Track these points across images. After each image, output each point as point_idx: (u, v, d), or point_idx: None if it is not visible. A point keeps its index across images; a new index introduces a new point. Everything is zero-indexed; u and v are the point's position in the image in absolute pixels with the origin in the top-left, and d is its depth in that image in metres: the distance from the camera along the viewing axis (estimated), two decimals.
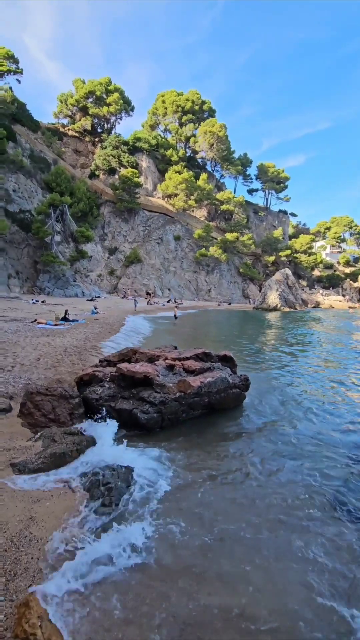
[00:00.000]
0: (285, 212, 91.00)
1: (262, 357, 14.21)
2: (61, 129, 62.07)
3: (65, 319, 18.55)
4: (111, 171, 59.88)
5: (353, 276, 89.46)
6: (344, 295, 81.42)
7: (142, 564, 3.12)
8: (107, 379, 6.89)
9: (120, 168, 59.56)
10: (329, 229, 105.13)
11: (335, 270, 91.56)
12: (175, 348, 8.94)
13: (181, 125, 72.87)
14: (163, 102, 72.38)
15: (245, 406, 7.56)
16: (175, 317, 27.19)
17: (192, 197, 63.61)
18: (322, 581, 3.05)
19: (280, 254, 78.66)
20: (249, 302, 67.09)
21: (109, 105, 61.56)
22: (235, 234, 68.48)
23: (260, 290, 64.93)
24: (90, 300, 36.58)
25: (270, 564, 3.24)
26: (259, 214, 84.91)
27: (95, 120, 64.51)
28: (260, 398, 8.26)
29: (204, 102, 73.65)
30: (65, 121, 65.07)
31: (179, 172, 62.97)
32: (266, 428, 6.50)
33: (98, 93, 60.75)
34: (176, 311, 28.41)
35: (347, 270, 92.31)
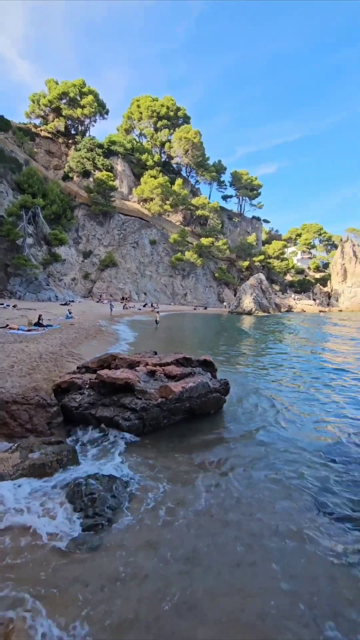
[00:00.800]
0: (258, 219, 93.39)
1: (239, 360, 14.45)
2: (33, 129, 60.60)
3: (38, 324, 17.98)
4: (85, 174, 59.08)
5: (322, 281, 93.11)
6: (314, 300, 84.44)
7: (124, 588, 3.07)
8: (87, 386, 6.75)
9: (94, 171, 58.89)
10: (299, 235, 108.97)
11: (306, 276, 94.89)
12: (155, 353, 8.90)
13: (156, 130, 73.24)
14: (138, 106, 72.50)
15: (225, 410, 7.64)
16: (157, 321, 27.09)
17: (167, 202, 63.88)
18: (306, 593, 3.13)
19: (254, 259, 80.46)
20: (225, 306, 68.00)
21: (83, 107, 60.85)
22: (210, 239, 69.37)
23: (235, 295, 66.04)
24: (64, 304, 35.69)
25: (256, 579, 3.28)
26: (233, 219, 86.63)
27: (69, 122, 63.54)
28: (239, 402, 8.39)
29: (178, 109, 74.46)
30: (37, 121, 63.61)
31: (155, 177, 63.15)
32: (245, 433, 6.59)
33: (72, 95, 59.92)
34: (157, 316, 28.23)
35: (317, 275, 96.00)
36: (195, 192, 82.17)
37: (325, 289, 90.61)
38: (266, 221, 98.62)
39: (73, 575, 3.04)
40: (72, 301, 41.01)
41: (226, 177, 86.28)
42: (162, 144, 73.70)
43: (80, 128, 65.45)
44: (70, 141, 63.40)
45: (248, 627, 2.66)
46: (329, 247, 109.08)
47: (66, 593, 2.85)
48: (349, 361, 15.18)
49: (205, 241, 68.40)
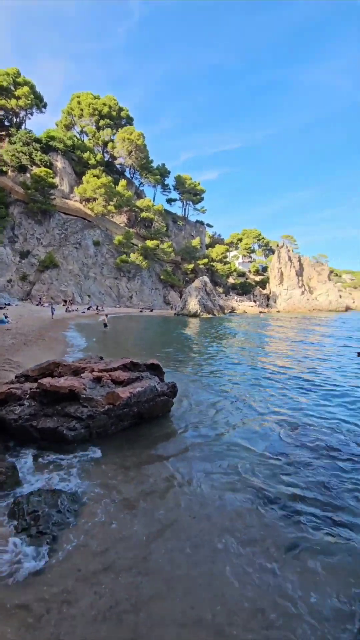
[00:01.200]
0: (202, 223, 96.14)
1: (187, 362, 14.71)
2: None
3: None
4: (21, 169, 55.45)
5: (262, 284, 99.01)
6: (255, 301, 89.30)
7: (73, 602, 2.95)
8: (27, 396, 6.33)
9: (32, 166, 55.57)
10: (240, 240, 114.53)
11: (247, 278, 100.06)
12: (102, 358, 8.68)
13: (98, 129, 71.54)
14: (79, 103, 70.11)
15: (173, 412, 7.73)
16: (105, 325, 26.41)
17: (111, 203, 62.71)
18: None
19: (199, 262, 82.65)
20: (171, 308, 68.72)
21: (17, 98, 57.11)
22: (155, 242, 69.65)
23: (180, 297, 67.10)
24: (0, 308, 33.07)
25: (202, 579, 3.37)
26: (178, 223, 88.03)
27: (2, 113, 59.14)
28: (187, 404, 8.55)
29: (121, 109, 73.65)
30: None
31: (97, 177, 61.57)
32: (193, 435, 6.73)
33: (5, 84, 55.87)
34: (106, 319, 27.57)
35: (257, 278, 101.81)
36: (139, 194, 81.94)
37: (265, 291, 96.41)
38: (209, 225, 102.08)
39: (14, 601, 2.83)
40: (8, 304, 38.17)
41: (170, 181, 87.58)
42: (105, 144, 72.24)
43: (15, 120, 61.29)
44: (3, 133, 58.99)
45: (200, 626, 2.73)
46: (267, 252, 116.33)
47: (6, 621, 2.65)
48: (286, 363, 16.33)
49: (150, 243, 68.51)
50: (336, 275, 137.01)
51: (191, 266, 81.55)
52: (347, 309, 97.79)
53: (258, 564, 3.40)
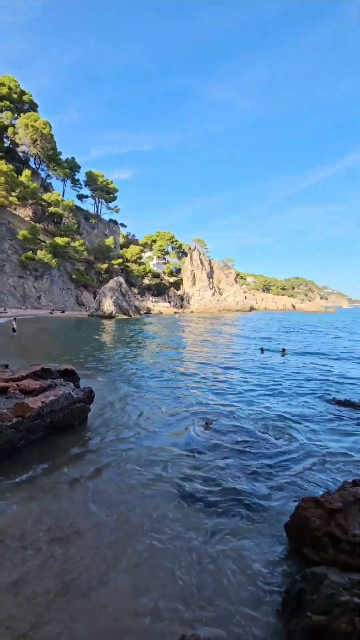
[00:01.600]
0: (115, 222, 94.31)
1: (103, 366, 14.31)
2: None
3: None
4: None
5: (176, 285, 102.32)
6: (170, 302, 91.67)
7: None
8: None
9: None
10: (154, 241, 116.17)
11: (161, 280, 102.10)
12: (7, 366, 7.83)
13: None
14: None
15: (91, 419, 7.43)
16: (14, 329, 23.71)
17: (13, 194, 56.93)
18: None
19: (113, 262, 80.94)
20: (85, 309, 65.80)
21: None
22: (65, 239, 65.70)
23: (94, 298, 64.77)
24: None
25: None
26: (90, 220, 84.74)
27: None
28: (105, 408, 8.32)
29: (23, 92, 67.42)
30: None
31: None
32: (112, 439, 6.57)
33: None
34: (14, 324, 24.75)
35: (171, 279, 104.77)
36: (46, 187, 76.27)
37: (179, 292, 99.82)
38: (123, 225, 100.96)
39: None
40: None
41: (81, 176, 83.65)
42: (5, 128, 65.20)
43: None
44: None
45: (127, 634, 2.69)
46: (180, 254, 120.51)
47: None
48: (199, 361, 17.22)
49: (60, 240, 64.39)
50: (242, 278, 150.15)
51: (105, 266, 79.45)
52: (252, 308, 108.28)
53: (187, 554, 3.52)
